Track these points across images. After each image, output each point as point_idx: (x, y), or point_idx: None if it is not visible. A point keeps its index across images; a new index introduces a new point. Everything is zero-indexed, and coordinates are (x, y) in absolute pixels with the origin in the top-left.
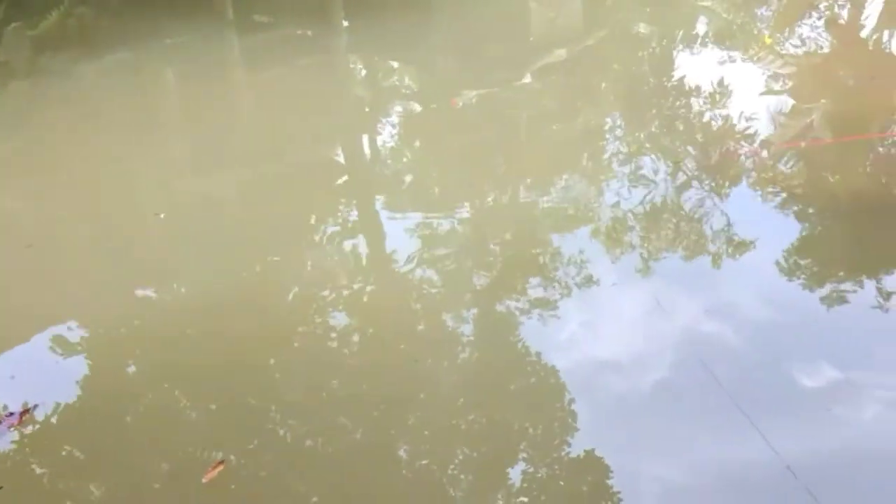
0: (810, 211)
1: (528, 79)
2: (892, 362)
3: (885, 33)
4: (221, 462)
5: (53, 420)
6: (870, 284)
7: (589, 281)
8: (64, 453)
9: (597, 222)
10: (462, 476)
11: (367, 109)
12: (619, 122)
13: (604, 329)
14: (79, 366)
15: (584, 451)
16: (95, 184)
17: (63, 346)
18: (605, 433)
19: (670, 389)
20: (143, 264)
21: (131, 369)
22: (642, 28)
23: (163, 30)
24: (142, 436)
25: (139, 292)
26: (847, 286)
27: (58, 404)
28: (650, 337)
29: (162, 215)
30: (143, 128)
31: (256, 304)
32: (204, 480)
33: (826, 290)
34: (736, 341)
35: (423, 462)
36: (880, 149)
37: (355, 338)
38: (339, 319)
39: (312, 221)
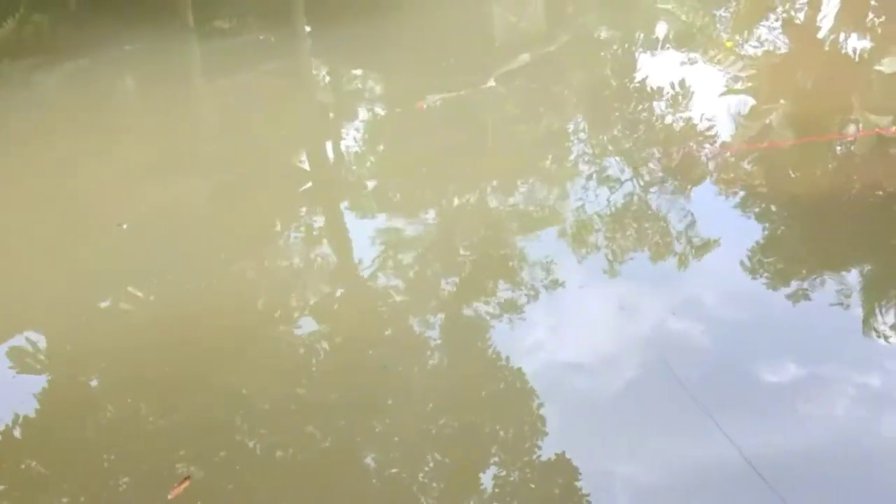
0: (772, 210)
1: (492, 83)
2: (854, 358)
3: (842, 35)
4: (187, 478)
5: (14, 434)
6: (830, 282)
7: (556, 283)
8: (24, 467)
9: (562, 224)
10: (433, 482)
11: (331, 115)
12: (582, 125)
13: (571, 332)
14: (38, 378)
15: (555, 453)
16: (55, 193)
17: (22, 359)
18: (574, 435)
19: (637, 391)
20: (104, 274)
21: (93, 382)
22: (604, 32)
23: (122, 36)
24: (104, 450)
25: (101, 303)
26: (808, 284)
27: (17, 417)
28: (616, 339)
29: (124, 226)
30: (104, 136)
31: (221, 312)
32: (170, 497)
33: (788, 288)
34: (701, 341)
35: (394, 469)
36: (839, 148)
37: (323, 345)
38: (306, 327)
39: (277, 228)
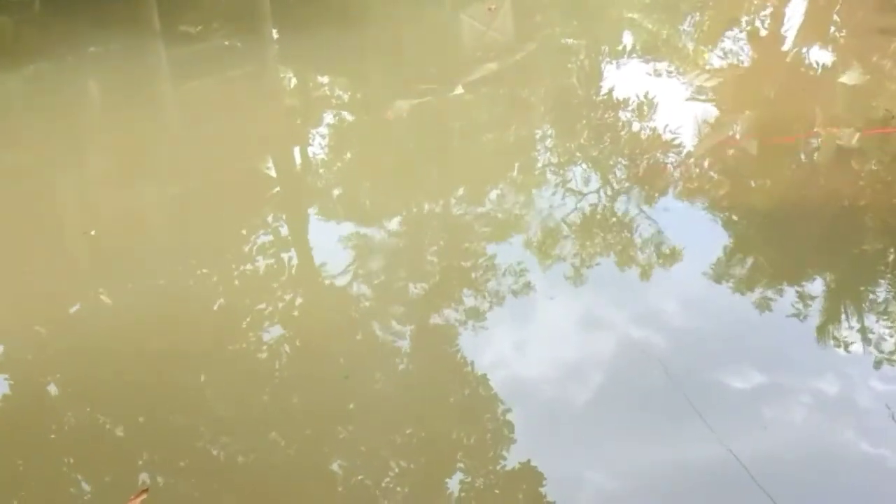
0: (735, 218)
1: (459, 90)
2: (816, 364)
3: (805, 46)
4: (146, 490)
5: None
6: (792, 289)
7: (522, 291)
8: None
9: (529, 233)
10: (399, 489)
11: (298, 121)
12: (549, 134)
13: (537, 339)
14: None
15: (520, 461)
16: (18, 199)
17: None
18: (539, 442)
19: (602, 398)
20: (65, 281)
21: (53, 389)
22: (571, 41)
23: (87, 39)
24: (61, 460)
25: (62, 310)
26: (771, 291)
27: None
28: (582, 347)
29: (92, 232)
30: (67, 140)
31: (185, 319)
32: None
33: (752, 295)
34: (667, 348)
35: (359, 477)
36: (802, 156)
37: (286, 352)
38: (271, 333)
39: (243, 233)
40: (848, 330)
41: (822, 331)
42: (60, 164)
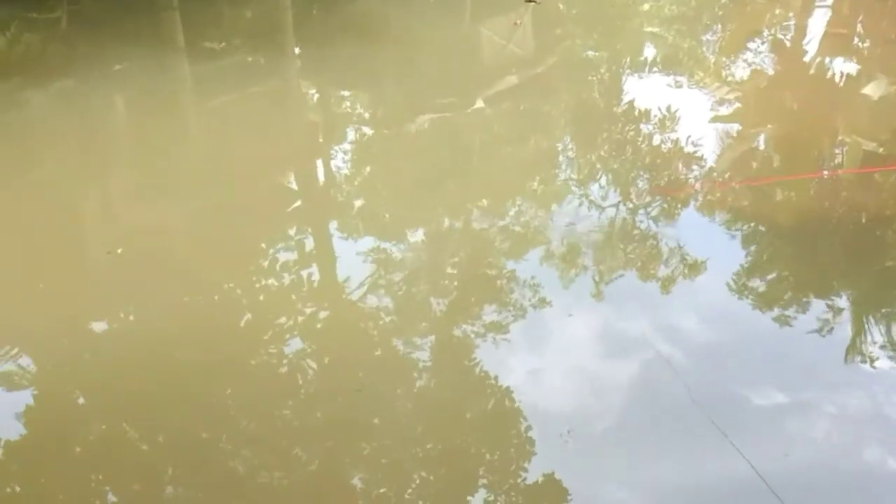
0: (758, 232)
1: (480, 104)
2: (839, 379)
3: (828, 57)
4: None
5: None
6: (815, 304)
7: (542, 305)
8: (8, 490)
9: (550, 246)
10: (420, 503)
11: (319, 136)
12: (570, 148)
13: (557, 354)
14: (23, 399)
15: (541, 476)
16: (42, 215)
17: (7, 381)
18: (560, 458)
19: (623, 414)
20: (92, 297)
21: (80, 403)
22: (591, 55)
23: (112, 56)
24: (90, 471)
25: (89, 325)
26: (795, 308)
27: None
28: (604, 362)
29: (119, 251)
30: (92, 156)
31: (210, 333)
32: None
33: (775, 310)
34: (689, 364)
35: (381, 490)
36: (824, 172)
37: (310, 366)
38: (293, 348)
39: (265, 249)
40: (872, 345)
41: (846, 346)
42: (85, 180)
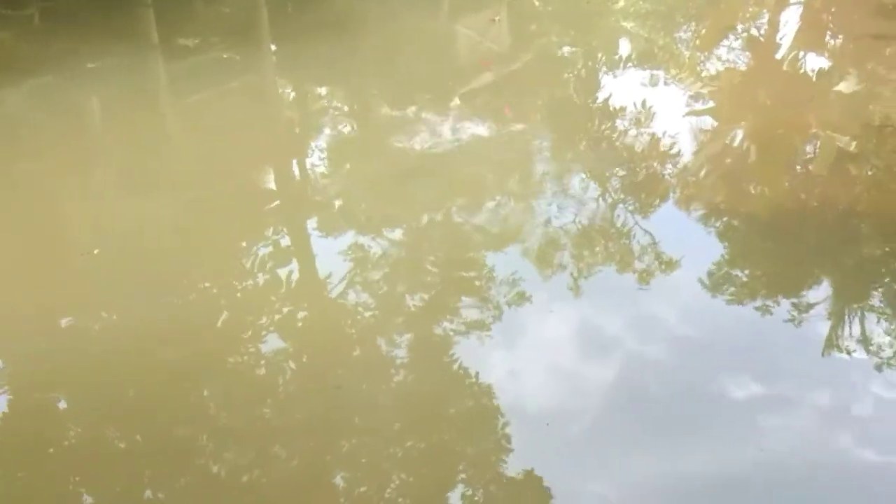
0: (733, 226)
1: (456, 101)
2: (816, 373)
3: (801, 52)
4: None
5: None
6: (790, 298)
7: (520, 301)
8: None
9: (527, 243)
10: (401, 500)
11: (297, 132)
12: (546, 144)
13: (535, 350)
14: (2, 401)
15: (520, 472)
16: (18, 214)
17: None
18: (541, 453)
19: (601, 409)
20: (68, 297)
21: (60, 405)
22: (567, 51)
23: (86, 53)
24: (69, 472)
25: (65, 325)
26: (770, 301)
27: None
28: (581, 358)
29: (95, 251)
30: (67, 154)
31: (188, 332)
32: None
33: (750, 305)
34: (665, 358)
35: (362, 489)
36: (798, 166)
37: (289, 364)
38: (272, 346)
39: (244, 246)
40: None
41: (821, 338)
42: (60, 179)
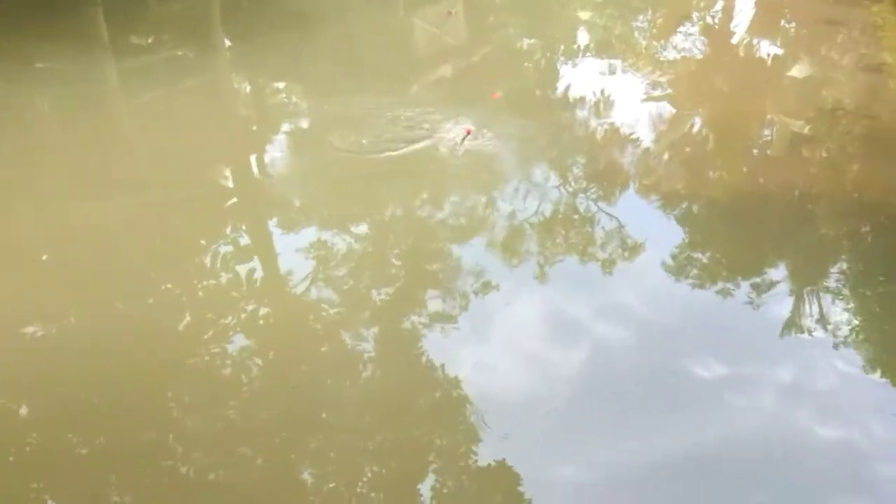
0: (693, 211)
1: (415, 92)
2: (777, 353)
3: (756, 39)
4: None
5: None
6: (751, 279)
7: (486, 291)
8: None
9: (491, 233)
10: (372, 495)
11: (253, 129)
12: (506, 134)
13: (504, 339)
14: None
15: (492, 460)
16: None
17: None
18: (511, 441)
19: (571, 394)
20: (25, 301)
21: (21, 411)
22: (525, 42)
23: (34, 54)
24: (28, 481)
25: (19, 330)
26: (731, 284)
27: None
28: (550, 343)
29: (49, 254)
30: (16, 157)
31: (148, 335)
32: None
33: (712, 288)
34: (631, 342)
35: (331, 485)
36: (755, 150)
37: (253, 363)
38: (236, 345)
39: (202, 245)
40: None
41: (782, 318)
42: (10, 181)
